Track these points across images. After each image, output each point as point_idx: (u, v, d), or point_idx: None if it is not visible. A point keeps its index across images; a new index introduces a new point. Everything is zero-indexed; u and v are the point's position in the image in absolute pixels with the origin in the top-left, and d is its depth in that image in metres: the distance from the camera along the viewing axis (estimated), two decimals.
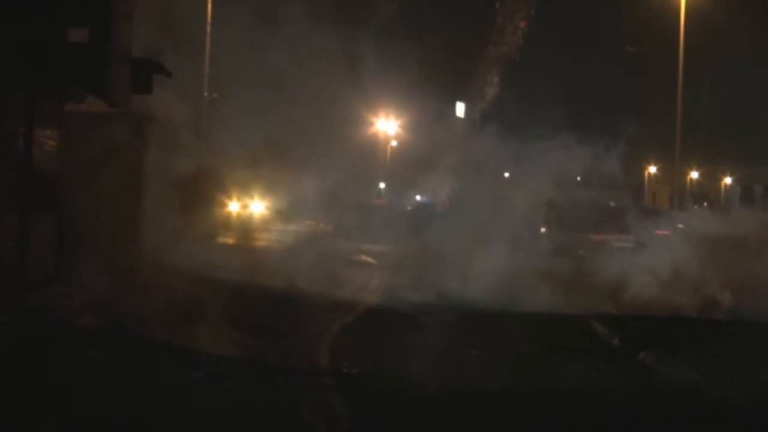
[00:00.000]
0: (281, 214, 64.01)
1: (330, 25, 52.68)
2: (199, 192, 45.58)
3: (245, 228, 57.28)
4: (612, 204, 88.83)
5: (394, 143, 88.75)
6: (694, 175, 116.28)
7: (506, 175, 63.07)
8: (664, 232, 58.31)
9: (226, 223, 54.14)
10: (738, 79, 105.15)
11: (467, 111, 77.41)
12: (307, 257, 46.47)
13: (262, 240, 57.53)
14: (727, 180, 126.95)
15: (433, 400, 20.95)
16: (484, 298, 36.79)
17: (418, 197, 70.13)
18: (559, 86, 73.42)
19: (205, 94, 62.06)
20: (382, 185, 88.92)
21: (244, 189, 58.42)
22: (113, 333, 26.17)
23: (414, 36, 64.03)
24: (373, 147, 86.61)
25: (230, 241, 52.39)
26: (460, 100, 77.29)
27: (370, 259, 51.24)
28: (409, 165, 69.24)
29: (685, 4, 76.40)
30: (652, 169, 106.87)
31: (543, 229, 52.88)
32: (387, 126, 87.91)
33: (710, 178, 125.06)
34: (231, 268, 41.56)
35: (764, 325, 32.89)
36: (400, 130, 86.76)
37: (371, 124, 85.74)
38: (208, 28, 64.14)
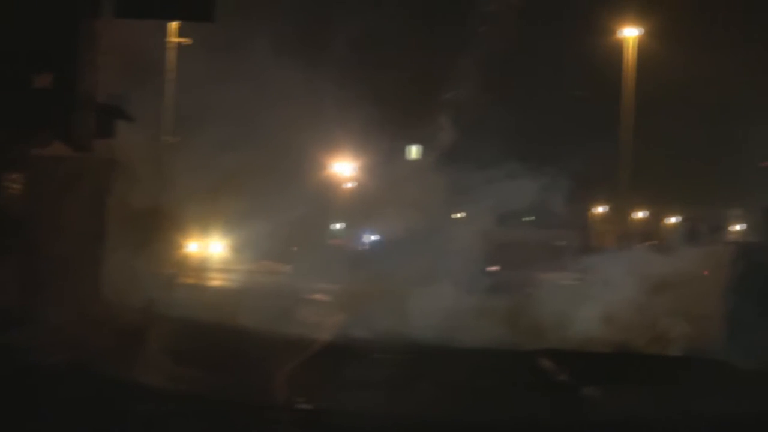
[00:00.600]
0: (239, 254, 64.45)
1: (290, 69, 53.04)
2: (159, 232, 45.91)
3: (203, 267, 57.65)
4: (561, 243, 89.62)
5: (350, 184, 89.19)
6: (641, 214, 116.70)
7: (460, 215, 63.46)
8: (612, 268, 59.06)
9: (186, 263, 54.40)
10: (685, 122, 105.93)
11: (423, 152, 77.93)
12: (264, 296, 46.81)
13: (220, 279, 57.86)
14: (673, 219, 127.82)
15: None
16: (435, 335, 37.04)
17: (373, 236, 70.60)
18: (512, 128, 73.77)
19: (166, 138, 62.08)
20: (338, 226, 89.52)
21: (203, 229, 58.87)
22: (76, 371, 26.35)
23: (371, 79, 64.25)
24: (330, 188, 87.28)
25: (189, 280, 52.67)
26: (416, 141, 77.63)
27: (325, 298, 51.43)
28: (366, 205, 69.77)
29: (633, 50, 77.17)
30: (599, 209, 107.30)
31: (494, 268, 53.39)
32: (344, 168, 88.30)
33: (655, 218, 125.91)
34: (189, 306, 41.74)
35: (704, 360, 33.50)
36: (357, 172, 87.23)
37: (328, 166, 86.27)
38: (169, 74, 64.68)
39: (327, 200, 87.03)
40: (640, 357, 35.46)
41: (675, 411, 24.78)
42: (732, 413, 25.08)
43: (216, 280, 56.45)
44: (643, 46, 77.99)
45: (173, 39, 68.17)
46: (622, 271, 50.75)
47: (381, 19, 63.75)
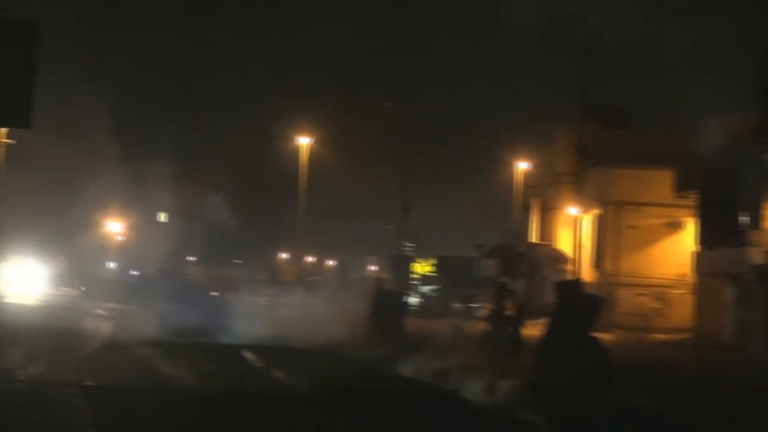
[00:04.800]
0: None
1: None
2: None
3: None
4: (260, 277, 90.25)
5: (120, 237, 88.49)
6: (310, 259, 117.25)
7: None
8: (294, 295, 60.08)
9: None
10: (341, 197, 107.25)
11: (168, 217, 77.47)
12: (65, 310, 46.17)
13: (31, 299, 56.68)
14: (331, 262, 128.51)
15: None
16: (174, 334, 36.77)
17: (135, 272, 70.29)
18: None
19: None
20: (112, 264, 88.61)
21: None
22: None
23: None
24: (106, 239, 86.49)
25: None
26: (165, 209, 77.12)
27: (104, 312, 50.86)
28: (131, 251, 69.35)
29: (306, 151, 78.30)
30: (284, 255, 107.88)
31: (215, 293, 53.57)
32: (115, 226, 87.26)
33: (321, 261, 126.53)
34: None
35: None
36: (125, 229, 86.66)
37: (105, 225, 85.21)
38: None
39: (103, 247, 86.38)
40: (303, 350, 35.38)
41: (304, 374, 25.91)
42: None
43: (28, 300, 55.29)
44: (313, 149, 78.97)
45: None
46: (298, 296, 51.66)
47: None
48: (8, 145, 56.08)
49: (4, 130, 53.00)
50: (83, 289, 71.10)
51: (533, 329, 36.25)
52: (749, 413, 19.28)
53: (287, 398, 23.47)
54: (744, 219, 41.51)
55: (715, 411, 21.79)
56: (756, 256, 38.78)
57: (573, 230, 57.55)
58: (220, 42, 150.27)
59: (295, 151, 78.20)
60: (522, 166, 75.55)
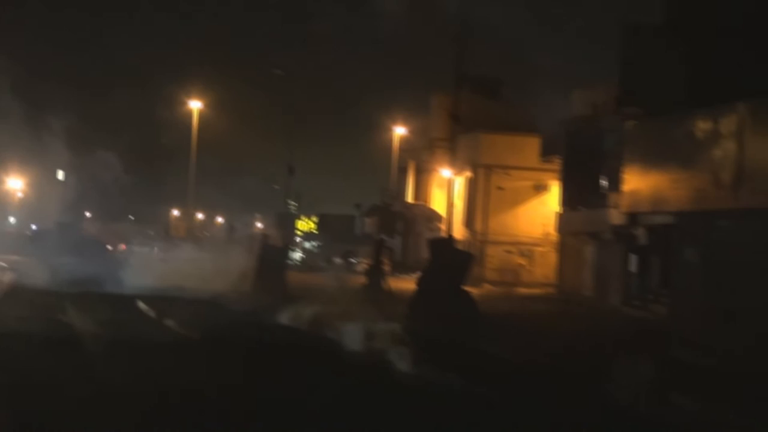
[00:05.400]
0: None
1: None
2: None
3: None
4: (150, 232, 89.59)
5: (19, 194, 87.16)
6: (200, 216, 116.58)
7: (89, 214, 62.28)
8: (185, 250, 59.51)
9: None
10: (224, 158, 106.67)
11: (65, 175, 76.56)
12: None
13: None
14: (220, 219, 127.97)
15: None
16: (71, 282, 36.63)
17: (34, 227, 69.49)
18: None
19: None
20: (12, 219, 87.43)
21: None
22: None
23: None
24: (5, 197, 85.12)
25: None
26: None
27: (4, 264, 50.17)
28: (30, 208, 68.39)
29: (197, 114, 77.74)
30: (175, 212, 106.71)
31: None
32: (15, 183, 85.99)
33: (211, 218, 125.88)
34: None
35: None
36: (24, 188, 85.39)
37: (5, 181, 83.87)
38: None
39: (4, 203, 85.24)
40: (194, 298, 35.46)
41: (192, 323, 25.94)
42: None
43: None
44: (204, 113, 78.45)
45: None
46: (189, 250, 51.38)
47: None
48: None
49: None
50: None
51: (408, 283, 36.72)
52: (595, 359, 19.68)
53: (177, 345, 23.60)
54: (604, 183, 42.11)
55: (562, 359, 22.09)
56: (614, 217, 39.39)
57: (446, 191, 57.79)
58: (118, 6, 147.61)
59: (188, 114, 77.60)
60: (399, 131, 75.88)
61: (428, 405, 16.76)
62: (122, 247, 57.51)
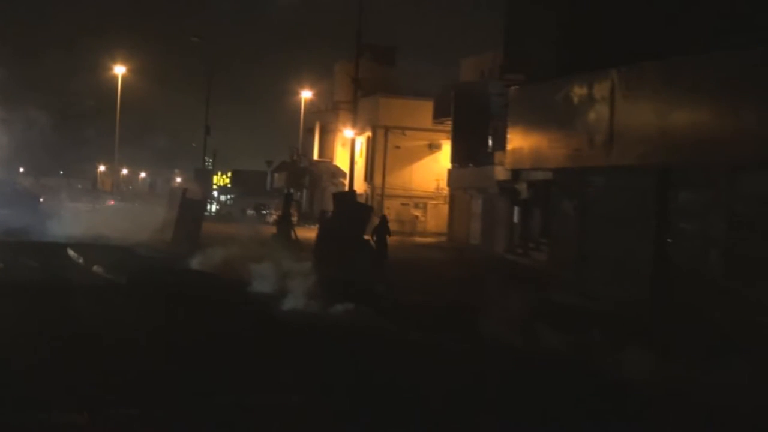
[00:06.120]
0: None
1: None
2: None
3: None
4: (78, 186, 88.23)
5: None
6: (125, 171, 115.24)
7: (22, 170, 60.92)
8: (111, 203, 58.36)
9: None
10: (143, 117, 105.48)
11: None
12: None
13: None
14: (143, 175, 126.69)
15: None
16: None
17: None
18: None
19: None
20: None
21: None
22: None
23: None
24: None
25: None
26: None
27: None
28: None
29: (121, 79, 76.58)
30: (102, 168, 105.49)
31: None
32: None
33: (134, 173, 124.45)
34: None
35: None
36: None
37: None
38: None
39: None
40: (119, 246, 35.03)
41: (116, 268, 25.68)
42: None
43: None
44: (129, 76, 77.33)
45: None
46: (112, 202, 50.52)
47: None
48: None
49: None
50: None
51: (312, 232, 36.68)
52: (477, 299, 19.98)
53: (105, 289, 23.38)
54: (490, 142, 42.40)
55: (447, 298, 22.47)
56: (499, 173, 39.69)
57: (349, 150, 57.77)
58: None
59: (112, 78, 76.47)
60: (306, 95, 75.57)
61: (318, 331, 16.94)
62: (52, 199, 56.54)
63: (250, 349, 15.75)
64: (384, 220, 31.64)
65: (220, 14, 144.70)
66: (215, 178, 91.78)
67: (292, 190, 58.19)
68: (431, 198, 58.90)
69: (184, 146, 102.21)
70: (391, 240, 31.44)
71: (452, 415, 11.59)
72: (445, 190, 54.34)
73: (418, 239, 50.82)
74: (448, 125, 50.10)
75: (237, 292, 22.48)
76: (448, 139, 51.64)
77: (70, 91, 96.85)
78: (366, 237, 29.08)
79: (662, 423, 11.87)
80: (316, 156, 73.03)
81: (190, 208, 39.31)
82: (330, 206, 32.86)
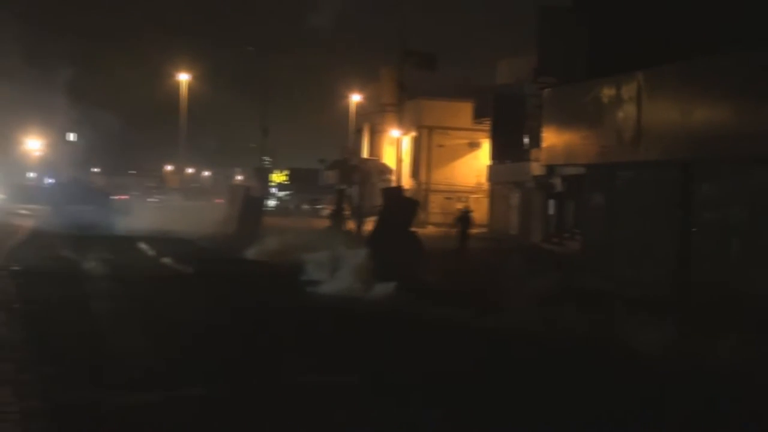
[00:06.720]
0: None
1: None
2: None
3: None
4: (151, 184, 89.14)
5: (38, 153, 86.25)
6: (190, 170, 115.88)
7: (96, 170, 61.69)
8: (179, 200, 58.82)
9: None
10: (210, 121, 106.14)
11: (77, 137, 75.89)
12: None
13: None
14: (206, 173, 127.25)
15: None
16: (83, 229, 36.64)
17: (50, 180, 68.99)
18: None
19: None
20: (32, 174, 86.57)
21: None
22: None
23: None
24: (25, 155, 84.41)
25: None
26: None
27: (26, 212, 49.87)
28: (45, 164, 67.58)
29: (186, 84, 77.09)
30: (168, 167, 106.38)
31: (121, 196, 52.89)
32: (34, 144, 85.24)
33: (198, 171, 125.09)
34: None
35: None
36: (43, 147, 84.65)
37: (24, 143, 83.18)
38: None
39: (25, 161, 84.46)
40: (186, 240, 35.52)
41: (184, 259, 25.95)
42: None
43: None
44: (193, 82, 77.92)
45: None
46: (181, 199, 51.01)
47: None
48: None
49: None
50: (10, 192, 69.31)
51: (365, 225, 36.86)
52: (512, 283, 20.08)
53: (173, 277, 23.68)
54: (526, 140, 42.32)
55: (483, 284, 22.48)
56: (535, 169, 39.66)
57: (395, 148, 57.87)
58: None
59: (177, 84, 77.16)
60: (355, 98, 75.68)
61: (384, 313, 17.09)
62: (124, 196, 57.17)
63: (304, 330, 15.90)
64: (466, 212, 31.89)
65: (274, 26, 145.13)
66: (274, 176, 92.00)
67: (344, 186, 58.33)
68: (472, 192, 58.80)
69: (244, 146, 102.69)
70: (435, 231, 31.61)
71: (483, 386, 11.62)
72: (485, 185, 54.27)
73: None
74: (487, 125, 50.03)
75: (294, 279, 22.64)
76: (487, 137, 51.57)
77: (139, 96, 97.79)
78: (412, 229, 29.16)
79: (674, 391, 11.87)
80: (365, 154, 73.12)
81: (252, 203, 39.65)
82: (379, 201, 32.93)
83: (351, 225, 39.78)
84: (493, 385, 11.88)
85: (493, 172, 49.99)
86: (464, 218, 31.45)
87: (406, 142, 61.03)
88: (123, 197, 55.39)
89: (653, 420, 10.46)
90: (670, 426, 10.36)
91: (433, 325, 16.71)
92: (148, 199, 65.26)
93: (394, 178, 57.16)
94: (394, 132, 59.98)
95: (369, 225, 32.08)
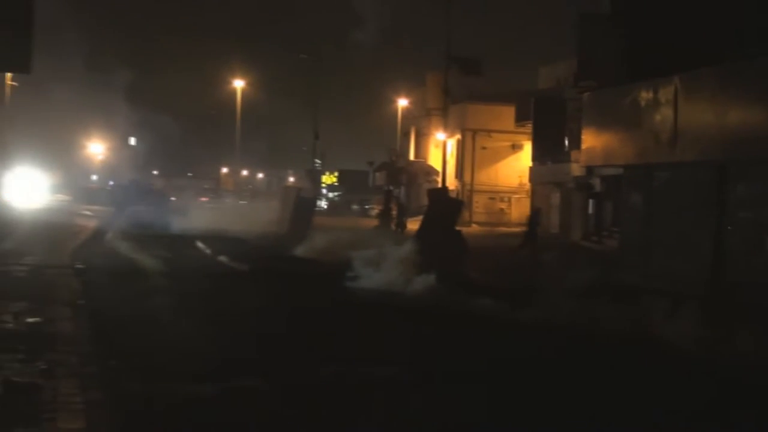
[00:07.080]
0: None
1: None
2: None
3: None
4: (207, 186, 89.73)
5: (100, 157, 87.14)
6: (245, 172, 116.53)
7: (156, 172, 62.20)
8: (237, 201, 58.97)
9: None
10: (262, 126, 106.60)
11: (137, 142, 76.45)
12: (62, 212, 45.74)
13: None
14: (260, 175, 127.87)
15: None
16: (152, 228, 36.95)
17: (112, 182, 69.60)
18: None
19: None
20: (95, 177, 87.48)
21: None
22: None
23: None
24: (90, 158, 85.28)
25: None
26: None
27: (90, 213, 50.36)
28: (109, 167, 68.27)
29: (240, 91, 77.53)
30: (224, 169, 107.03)
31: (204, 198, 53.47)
32: (97, 147, 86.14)
33: (253, 174, 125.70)
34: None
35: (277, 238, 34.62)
36: (105, 151, 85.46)
37: (88, 146, 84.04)
38: None
39: (88, 164, 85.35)
40: (240, 239, 35.60)
41: (239, 257, 26.06)
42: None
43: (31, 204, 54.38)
44: (245, 89, 78.40)
45: None
46: (236, 200, 51.22)
47: None
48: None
49: (8, 74, 49.97)
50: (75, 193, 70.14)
51: (412, 224, 36.84)
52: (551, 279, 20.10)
53: (228, 275, 23.82)
54: (566, 142, 42.14)
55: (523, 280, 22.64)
56: (575, 170, 39.50)
57: (441, 150, 57.85)
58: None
59: (233, 91, 77.69)
60: (402, 103, 75.73)
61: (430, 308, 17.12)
62: (182, 198, 57.59)
63: (349, 323, 16.05)
64: (537, 212, 32.16)
65: (323, 34, 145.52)
66: (324, 178, 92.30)
67: (391, 187, 58.37)
68: (515, 192, 58.68)
69: (296, 149, 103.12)
70: (479, 230, 31.56)
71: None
72: (527, 185, 54.10)
73: (504, 229, 50.62)
74: (529, 127, 49.84)
75: (341, 275, 22.59)
76: (528, 139, 51.36)
77: (196, 101, 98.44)
78: (457, 227, 29.11)
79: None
80: (412, 156, 73.14)
81: (303, 204, 39.80)
82: (425, 201, 32.96)
83: (395, 225, 39.80)
84: (538, 378, 11.88)
85: (535, 173, 49.79)
86: (535, 218, 31.77)
87: (451, 144, 60.94)
88: (180, 198, 55.76)
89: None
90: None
91: (473, 316, 16.83)
92: (204, 201, 65.79)
93: (439, 179, 57.08)
94: (439, 135, 59.97)
95: (414, 225, 32.04)
